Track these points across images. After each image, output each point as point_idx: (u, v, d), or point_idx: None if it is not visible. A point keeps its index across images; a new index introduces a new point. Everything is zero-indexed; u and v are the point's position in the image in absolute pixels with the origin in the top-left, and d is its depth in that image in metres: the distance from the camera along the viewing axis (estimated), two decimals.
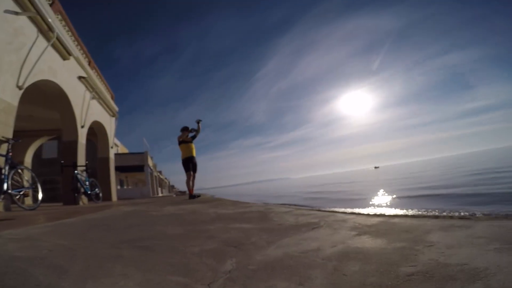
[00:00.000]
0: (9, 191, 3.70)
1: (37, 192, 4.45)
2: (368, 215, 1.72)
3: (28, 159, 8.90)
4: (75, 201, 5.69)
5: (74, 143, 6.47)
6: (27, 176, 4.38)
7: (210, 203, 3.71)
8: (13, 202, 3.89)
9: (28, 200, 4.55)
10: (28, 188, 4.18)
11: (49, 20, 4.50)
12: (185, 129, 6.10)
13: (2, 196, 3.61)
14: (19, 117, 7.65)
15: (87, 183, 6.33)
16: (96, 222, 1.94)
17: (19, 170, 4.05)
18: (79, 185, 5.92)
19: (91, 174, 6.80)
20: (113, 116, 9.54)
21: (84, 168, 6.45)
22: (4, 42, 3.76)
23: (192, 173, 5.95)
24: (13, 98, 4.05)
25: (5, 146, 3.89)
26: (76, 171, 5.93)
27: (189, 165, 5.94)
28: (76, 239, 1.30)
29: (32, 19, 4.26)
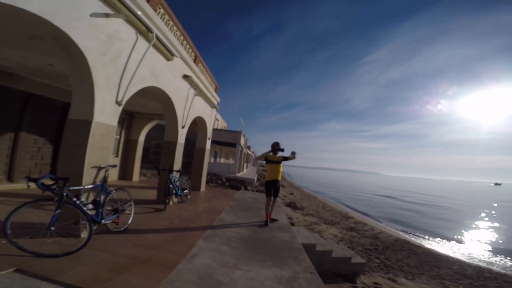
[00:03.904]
0: (103, 221, 3.54)
1: (130, 213, 4.31)
2: None
3: (141, 138, 9.96)
4: (164, 205, 5.75)
5: (174, 144, 6.35)
6: (123, 196, 4.25)
7: (289, 265, 3.15)
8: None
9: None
10: (120, 212, 4.00)
11: (145, 20, 3.73)
12: (274, 147, 5.45)
13: (96, 226, 3.47)
14: (135, 105, 8.40)
15: (178, 183, 6.39)
16: None
17: (113, 195, 3.86)
18: (171, 187, 5.97)
19: (183, 172, 6.88)
20: (214, 108, 9.29)
21: (178, 171, 6.46)
22: (97, 52, 3.16)
23: (272, 198, 5.40)
24: (112, 118, 3.65)
25: (102, 174, 3.64)
26: (171, 175, 5.95)
27: (271, 190, 5.37)
28: None
29: (127, 20, 3.56)
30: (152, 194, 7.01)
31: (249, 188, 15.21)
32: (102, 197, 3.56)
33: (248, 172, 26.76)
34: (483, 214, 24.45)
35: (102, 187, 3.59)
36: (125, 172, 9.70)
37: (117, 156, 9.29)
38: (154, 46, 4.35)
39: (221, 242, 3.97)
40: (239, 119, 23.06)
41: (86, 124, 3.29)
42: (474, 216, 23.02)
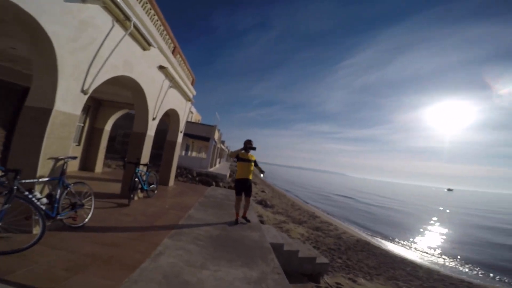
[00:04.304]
0: (58, 216, 3.30)
1: (90, 208, 4.05)
2: None
3: (108, 127, 9.34)
4: (129, 200, 5.46)
5: (143, 135, 6.09)
6: (83, 189, 3.98)
7: (258, 265, 3.15)
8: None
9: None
10: (79, 207, 3.75)
11: (124, 7, 3.52)
12: (246, 145, 5.30)
13: (50, 222, 3.21)
14: (104, 93, 7.82)
15: (145, 177, 6.13)
16: None
17: (71, 189, 3.60)
18: (137, 181, 5.69)
19: (151, 166, 6.59)
20: (189, 100, 9.05)
21: (145, 164, 6.18)
22: (67, 39, 2.92)
23: (243, 197, 5.27)
24: (75, 106, 3.39)
25: (60, 166, 3.38)
26: (137, 169, 5.68)
27: (241, 189, 5.22)
28: None
29: (104, 6, 3.33)
30: (116, 188, 6.65)
31: (220, 184, 15.11)
32: (59, 191, 3.30)
33: (220, 167, 26.58)
34: (434, 218, 26.73)
35: (59, 180, 3.33)
36: (87, 162, 9.05)
37: (79, 145, 8.64)
38: (131, 34, 4.12)
39: (188, 240, 3.86)
40: (215, 114, 22.82)
41: (45, 112, 3.02)
42: (426, 220, 25.19)
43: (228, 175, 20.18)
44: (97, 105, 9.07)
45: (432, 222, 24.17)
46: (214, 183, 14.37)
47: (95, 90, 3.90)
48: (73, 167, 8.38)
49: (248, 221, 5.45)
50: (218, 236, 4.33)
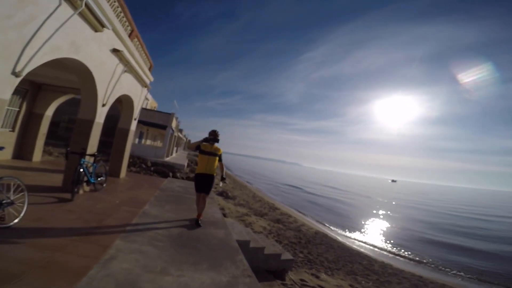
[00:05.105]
0: None
1: (23, 205, 3.54)
2: None
3: (49, 112, 8.25)
4: (72, 194, 4.85)
5: (90, 123, 5.50)
6: (13, 182, 3.46)
7: (227, 267, 2.99)
8: None
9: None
10: (7, 205, 3.26)
11: None
12: (211, 136, 4.70)
13: None
14: (44, 76, 6.76)
15: (92, 169, 5.54)
16: None
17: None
18: (82, 173, 5.04)
19: (99, 156, 5.98)
20: (145, 87, 8.42)
21: (92, 155, 5.59)
22: None
23: (202, 194, 4.64)
24: (3, 90, 2.91)
25: None
26: (83, 160, 5.09)
27: (201, 185, 4.61)
28: None
29: None
30: (57, 179, 5.91)
31: (178, 175, 14.50)
32: None
33: (177, 156, 25.60)
34: (382, 211, 27.99)
35: None
36: (23, 149, 7.96)
37: (13, 131, 7.53)
38: (81, 14, 3.65)
39: (145, 241, 3.47)
40: (173, 102, 21.55)
41: None
42: (374, 212, 26.36)
43: (186, 165, 19.53)
44: (35, 89, 8.11)
45: (379, 214, 25.30)
46: (171, 174, 13.73)
47: (34, 74, 3.38)
48: (5, 155, 7.26)
49: (199, 225, 4.60)
50: (179, 235, 3.97)
